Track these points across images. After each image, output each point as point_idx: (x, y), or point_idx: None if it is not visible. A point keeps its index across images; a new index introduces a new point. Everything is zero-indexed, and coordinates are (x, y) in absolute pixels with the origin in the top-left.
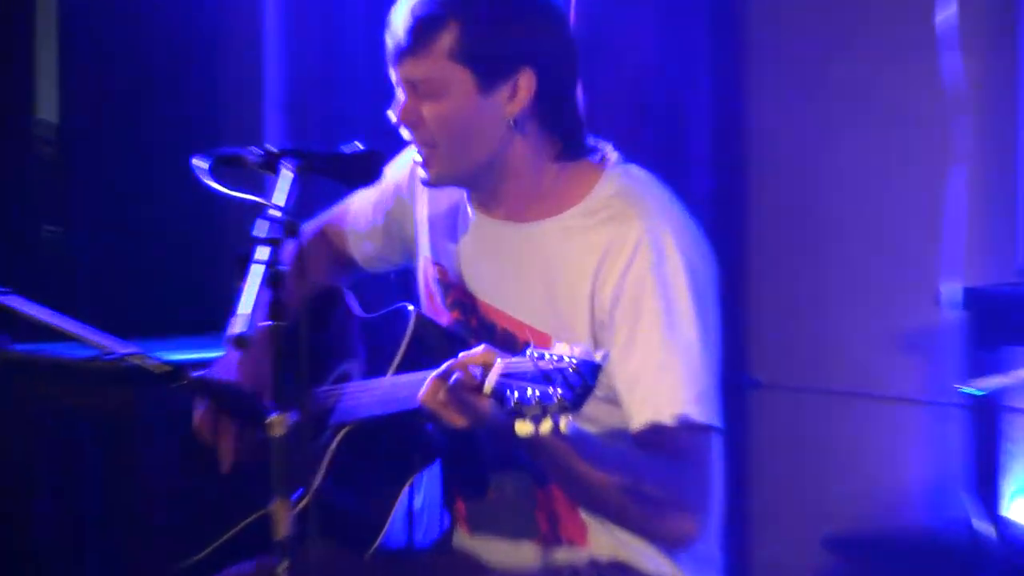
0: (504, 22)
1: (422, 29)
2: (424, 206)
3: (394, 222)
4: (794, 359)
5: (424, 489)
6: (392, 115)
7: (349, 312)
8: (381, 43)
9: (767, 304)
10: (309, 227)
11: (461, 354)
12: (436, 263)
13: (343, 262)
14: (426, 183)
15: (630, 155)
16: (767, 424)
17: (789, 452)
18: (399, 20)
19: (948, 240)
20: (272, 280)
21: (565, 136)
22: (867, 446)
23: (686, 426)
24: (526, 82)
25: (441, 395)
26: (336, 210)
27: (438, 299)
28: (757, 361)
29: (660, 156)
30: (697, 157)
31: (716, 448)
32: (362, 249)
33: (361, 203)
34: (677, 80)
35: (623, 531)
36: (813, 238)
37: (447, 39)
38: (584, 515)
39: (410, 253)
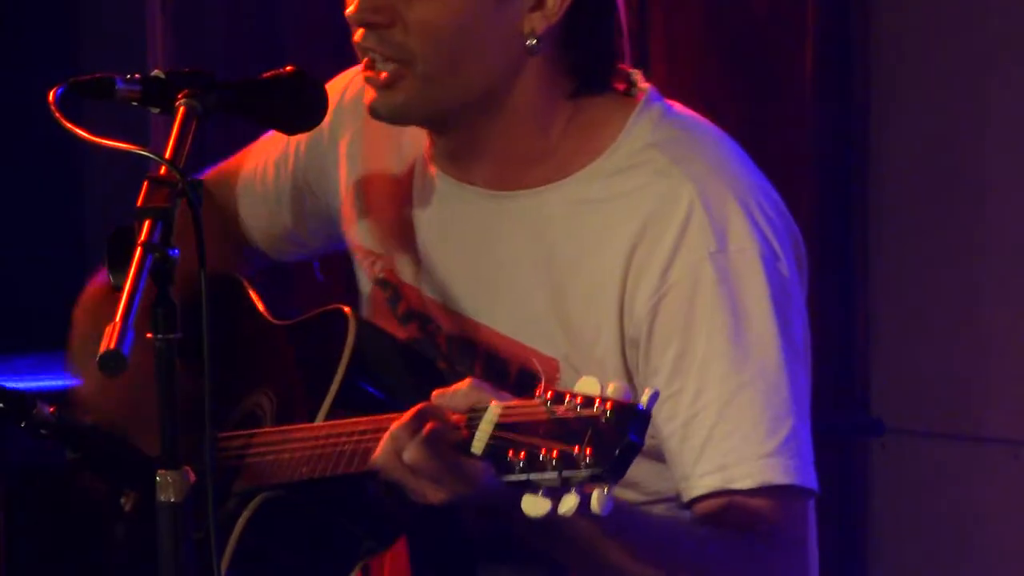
0: None
1: None
2: (354, 165)
3: (307, 187)
4: (930, 396)
5: None
6: (350, 8)
7: (255, 316)
8: None
9: (893, 324)
10: None
11: (435, 392)
12: (376, 253)
13: (235, 242)
14: (378, 112)
15: (695, 87)
16: (894, 478)
17: (922, 512)
18: None
19: None
20: (158, 270)
21: (591, 69)
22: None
23: (768, 490)
24: None
25: (408, 455)
26: (227, 163)
27: (385, 308)
28: (881, 399)
29: (748, 109)
30: (798, 112)
31: (811, 521)
32: (260, 224)
33: (256, 161)
34: None
35: None
36: (957, 240)
37: None
38: None
39: (334, 234)
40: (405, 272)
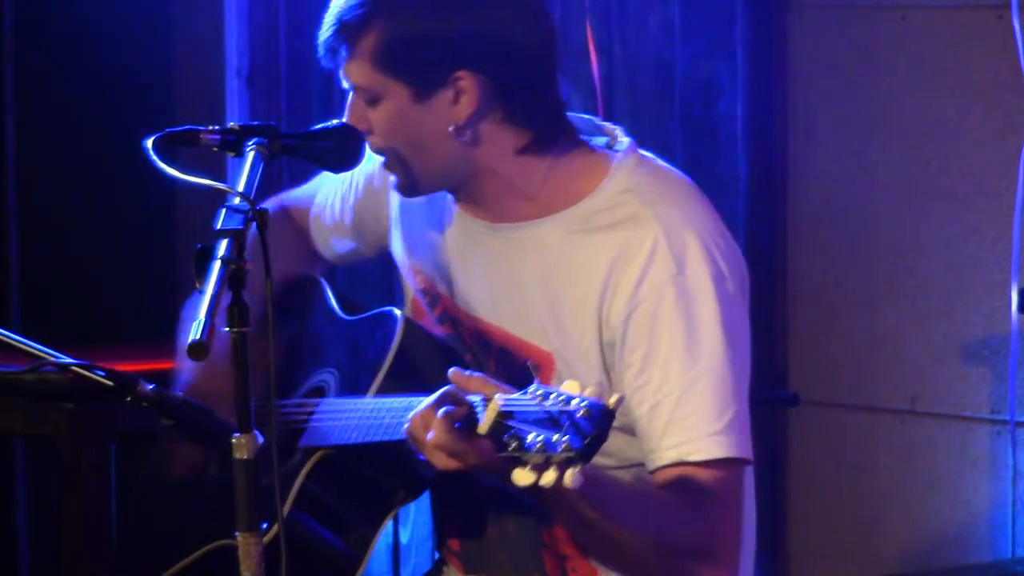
0: (428, 25)
1: (345, 34)
2: (398, 198)
3: (366, 217)
4: (837, 372)
5: (412, 522)
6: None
7: (329, 311)
8: None
9: (806, 309)
10: (268, 205)
11: (452, 370)
12: (418, 269)
13: (309, 251)
14: (398, 191)
15: (651, 134)
16: (806, 447)
17: (832, 479)
18: (327, 22)
19: (1021, 234)
20: (233, 279)
21: (536, 129)
22: (924, 473)
23: (716, 462)
24: (469, 85)
25: (429, 432)
26: (300, 192)
27: (425, 311)
28: (798, 374)
29: (687, 138)
30: (729, 138)
31: (749, 484)
32: (329, 244)
33: (327, 193)
34: (706, 47)
35: None
36: (860, 234)
37: (369, 47)
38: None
39: (386, 249)
40: (439, 283)
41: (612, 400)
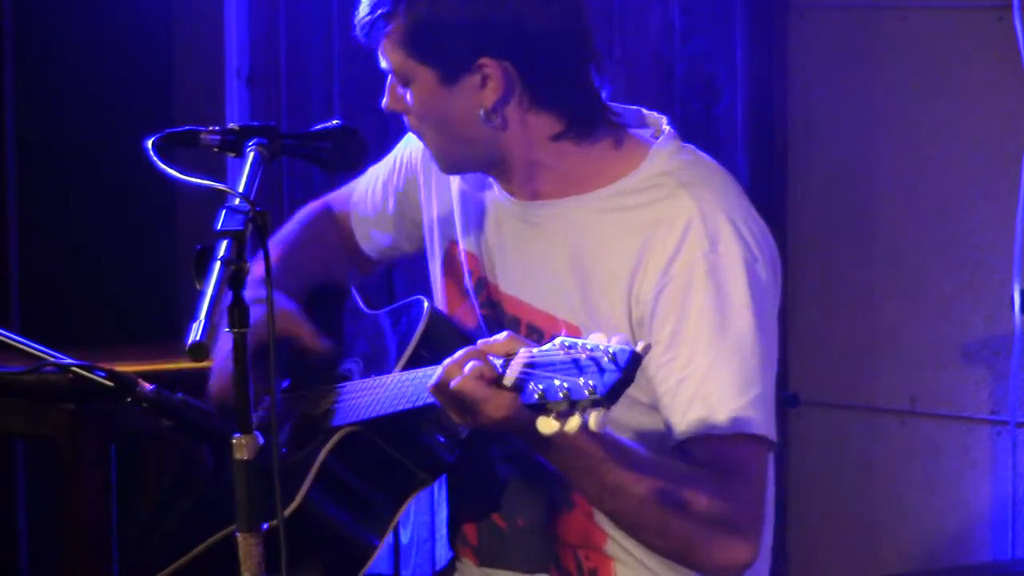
0: (453, 11)
1: (377, 17)
2: (455, 181)
3: (407, 205)
4: (837, 372)
5: (412, 522)
6: (383, 101)
7: (355, 310)
8: (355, 10)
9: (806, 309)
10: (309, 209)
11: (480, 341)
12: (469, 252)
13: (350, 252)
14: (441, 169)
15: None
16: (806, 447)
17: (832, 480)
18: (362, 5)
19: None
20: (234, 279)
21: (571, 114)
22: (924, 474)
23: (739, 437)
24: (495, 71)
25: (455, 385)
26: (341, 191)
27: (470, 295)
28: (795, 375)
29: (686, 135)
30: (729, 136)
31: (771, 467)
32: (371, 238)
33: (369, 183)
34: (705, 43)
35: (660, 560)
36: (862, 235)
37: (397, 32)
38: (611, 549)
39: (420, 241)
40: (486, 268)
41: (641, 346)
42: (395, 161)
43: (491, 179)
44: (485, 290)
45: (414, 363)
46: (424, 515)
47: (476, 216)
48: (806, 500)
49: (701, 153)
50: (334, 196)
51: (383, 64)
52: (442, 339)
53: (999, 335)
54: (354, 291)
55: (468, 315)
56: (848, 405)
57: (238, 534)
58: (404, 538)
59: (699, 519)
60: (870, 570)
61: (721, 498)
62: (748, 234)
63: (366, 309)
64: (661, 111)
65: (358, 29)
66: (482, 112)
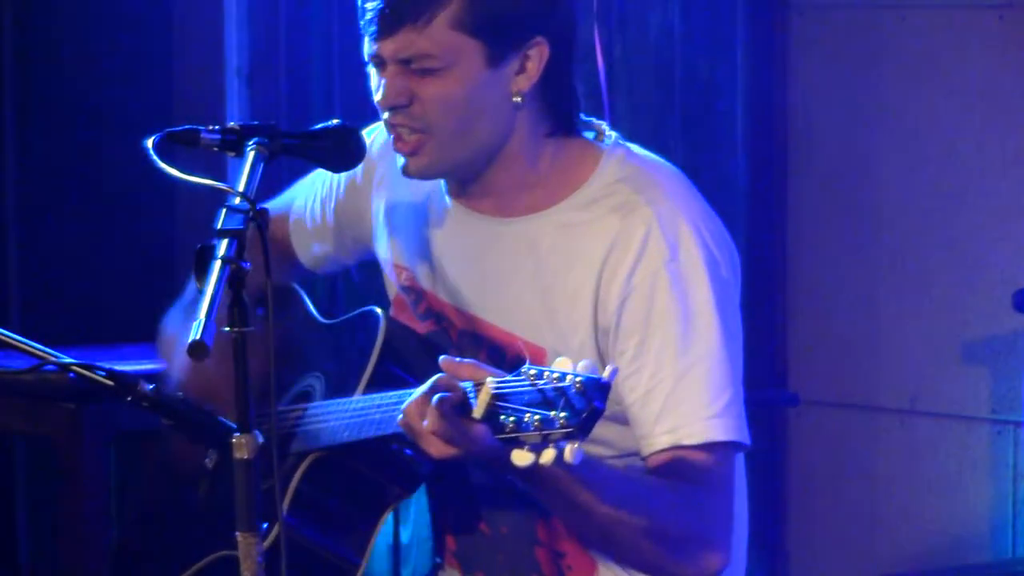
0: None
1: None
2: (384, 196)
3: (346, 219)
4: (837, 372)
5: (413, 521)
6: (378, 97)
7: (308, 317)
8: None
9: (806, 309)
10: None
11: (443, 357)
12: (402, 265)
13: (288, 262)
14: (409, 173)
15: (651, 134)
16: (806, 447)
17: (832, 479)
18: None
19: None
20: (234, 278)
21: (563, 113)
22: (924, 473)
23: (710, 445)
24: (537, 53)
25: (425, 420)
26: (277, 201)
27: (408, 308)
28: (798, 374)
29: (687, 140)
30: (729, 141)
31: (740, 467)
32: (309, 250)
33: (306, 198)
34: (706, 50)
35: (638, 572)
36: (862, 235)
37: (455, 5)
38: (595, 553)
39: (367, 252)
40: (424, 280)
41: (606, 372)
42: (333, 177)
43: (445, 194)
44: (424, 301)
45: (375, 381)
46: (425, 514)
47: (413, 231)
48: (806, 498)
49: (647, 153)
50: (269, 208)
51: (396, 50)
52: (403, 351)
53: (999, 334)
54: (305, 298)
55: (416, 326)
56: (848, 404)
57: (238, 533)
58: (404, 537)
59: (671, 534)
60: (870, 568)
61: (692, 514)
62: (708, 236)
63: (320, 319)
64: (662, 111)
65: (375, 15)
66: (518, 96)
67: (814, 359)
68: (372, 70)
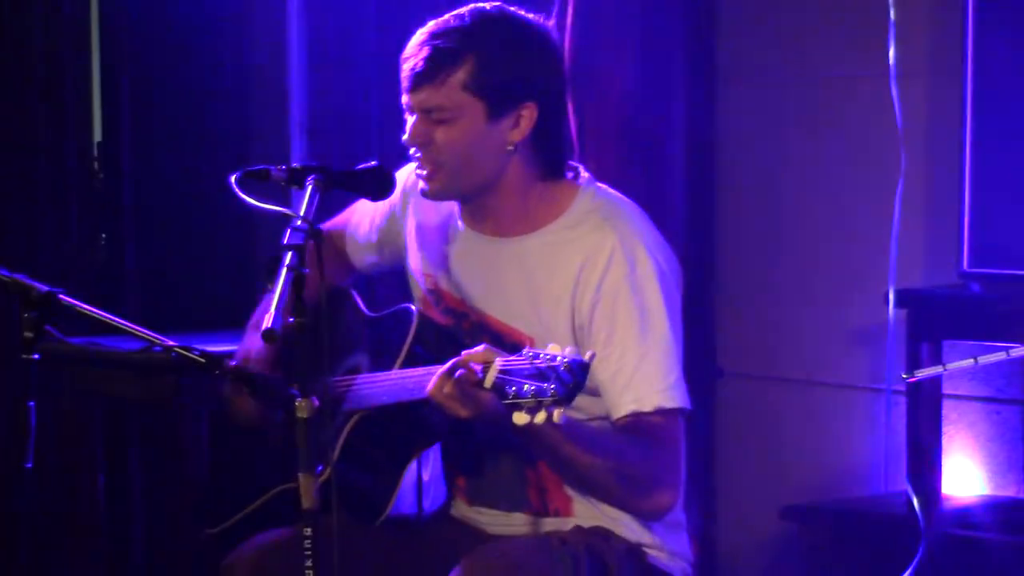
0: (515, 59)
1: (441, 61)
2: (414, 221)
3: (387, 238)
4: (756, 350)
5: (432, 463)
6: (405, 136)
7: (358, 310)
8: (389, 78)
9: (733, 301)
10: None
11: (464, 352)
12: (427, 273)
13: (345, 266)
14: (426, 195)
15: (616, 172)
16: (732, 409)
17: (752, 433)
18: (419, 51)
19: (897, 246)
20: (295, 282)
21: (553, 160)
22: (820, 428)
23: (662, 412)
24: (529, 113)
25: (447, 388)
26: (339, 218)
27: (432, 305)
28: (724, 352)
29: (641, 172)
30: (672, 172)
31: (684, 427)
32: (361, 258)
33: (359, 218)
34: (655, 105)
35: (607, 505)
36: (775, 243)
37: (463, 72)
38: (569, 489)
39: (402, 262)
40: (444, 284)
41: (587, 355)
42: (379, 205)
43: (457, 217)
44: (444, 301)
45: (410, 359)
46: (440, 460)
47: (437, 247)
48: (729, 453)
49: (613, 191)
50: (331, 225)
51: (420, 101)
52: (429, 338)
53: (874, 322)
54: (357, 297)
55: (438, 320)
56: (762, 376)
57: (300, 474)
58: (425, 476)
59: (634, 480)
60: (778, 500)
61: (648, 460)
62: (658, 254)
63: (367, 311)
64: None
65: (406, 71)
66: (511, 147)
67: (736, 341)
68: (407, 116)
